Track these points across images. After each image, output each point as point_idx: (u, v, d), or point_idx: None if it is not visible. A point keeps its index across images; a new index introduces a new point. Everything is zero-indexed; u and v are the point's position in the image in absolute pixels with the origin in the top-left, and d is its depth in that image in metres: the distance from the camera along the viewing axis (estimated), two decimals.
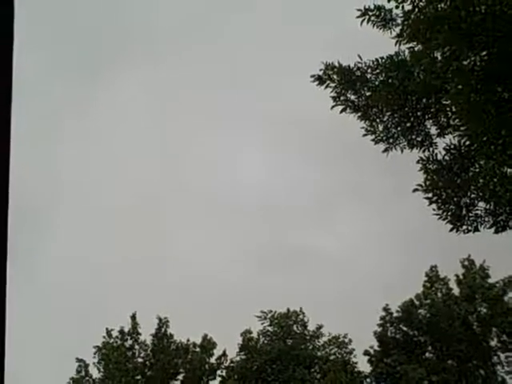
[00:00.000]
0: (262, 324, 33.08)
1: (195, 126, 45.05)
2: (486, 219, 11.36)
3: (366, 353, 32.70)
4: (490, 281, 32.95)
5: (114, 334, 33.13)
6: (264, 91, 44.64)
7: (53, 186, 41.98)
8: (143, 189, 44.37)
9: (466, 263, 33.85)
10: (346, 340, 32.28)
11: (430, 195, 11.61)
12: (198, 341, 33.59)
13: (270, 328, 33.05)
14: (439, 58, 11.82)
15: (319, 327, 32.90)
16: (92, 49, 38.55)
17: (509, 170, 10.77)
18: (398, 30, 13.47)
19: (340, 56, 14.22)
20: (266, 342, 32.80)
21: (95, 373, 32.31)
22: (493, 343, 32.11)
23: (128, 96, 43.48)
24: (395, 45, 13.71)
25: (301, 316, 33.16)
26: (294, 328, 32.99)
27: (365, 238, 43.96)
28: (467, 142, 11.89)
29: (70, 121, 42.16)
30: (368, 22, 13.88)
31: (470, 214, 11.44)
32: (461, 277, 33.64)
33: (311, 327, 33.13)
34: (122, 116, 44.17)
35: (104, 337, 32.97)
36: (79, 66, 38.57)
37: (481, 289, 32.82)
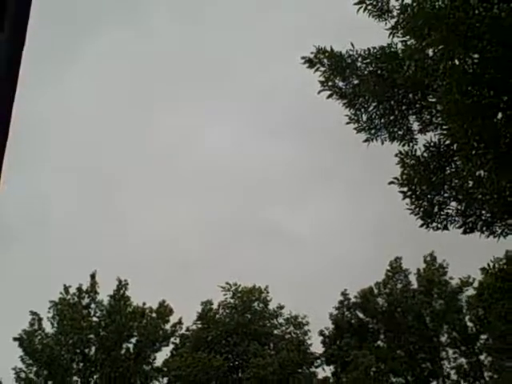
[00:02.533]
0: (225, 296, 33.28)
1: (170, 97, 44.59)
2: (457, 219, 11.56)
3: (321, 333, 33.32)
4: (448, 279, 33.77)
5: (72, 290, 32.96)
6: (242, 67, 44.40)
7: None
8: (111, 151, 43.91)
9: (428, 259, 34.58)
10: (304, 321, 32.69)
11: (405, 189, 11.73)
12: (155, 306, 33.68)
13: (231, 300, 33.26)
14: (431, 55, 11.88)
15: (280, 307, 33.24)
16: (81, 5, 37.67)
17: (484, 173, 10.95)
18: (393, 22, 13.46)
19: (320, 42, 14.16)
20: (225, 313, 33.04)
21: (48, 327, 32.21)
22: (443, 339, 33.04)
23: (106, 56, 42.73)
24: (388, 36, 13.71)
25: (264, 294, 33.41)
26: (255, 304, 33.26)
27: (335, 222, 44.57)
28: (447, 142, 12.01)
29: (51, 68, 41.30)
30: (364, 11, 13.82)
31: (442, 213, 11.61)
32: (421, 271, 34.38)
33: (272, 305, 33.49)
34: (98, 75, 43.36)
35: (61, 293, 32.78)
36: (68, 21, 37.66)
37: (438, 285, 33.61)
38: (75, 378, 31.57)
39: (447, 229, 11.67)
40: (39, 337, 31.67)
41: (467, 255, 27.14)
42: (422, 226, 11.73)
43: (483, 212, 11.56)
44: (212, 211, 43.32)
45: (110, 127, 44.93)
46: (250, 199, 45.27)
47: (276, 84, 41.69)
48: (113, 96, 44.98)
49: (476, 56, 9.89)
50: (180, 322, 33.82)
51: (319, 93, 13.90)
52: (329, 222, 44.96)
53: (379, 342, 33.44)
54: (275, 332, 33.01)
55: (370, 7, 13.59)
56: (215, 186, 45.21)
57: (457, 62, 9.73)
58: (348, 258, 39.86)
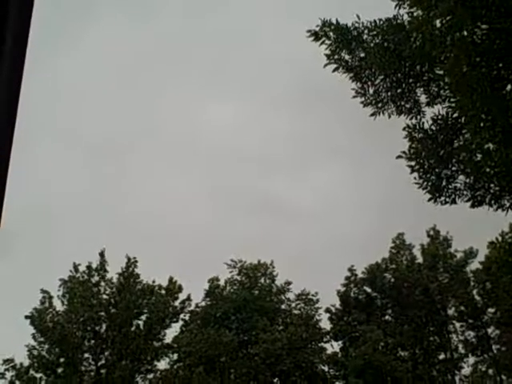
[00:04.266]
0: (231, 272, 33.49)
1: (171, 73, 44.35)
2: (465, 193, 11.48)
3: (328, 310, 33.48)
4: (453, 251, 33.76)
5: (82, 268, 33.20)
6: (243, 39, 43.99)
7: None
8: (117, 127, 43.84)
9: (432, 233, 34.52)
10: (314, 298, 32.82)
11: (413, 163, 11.64)
12: (164, 283, 33.92)
13: (237, 277, 33.47)
14: (438, 26, 11.67)
15: (288, 283, 33.39)
16: None
17: (493, 146, 10.83)
18: None
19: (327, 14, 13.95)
20: (232, 290, 33.26)
21: (59, 305, 32.53)
22: (450, 312, 33.18)
23: (111, 36, 42.44)
24: (395, 8, 13.48)
25: (270, 269, 33.57)
26: (262, 280, 33.45)
27: (338, 196, 44.51)
28: (455, 115, 11.88)
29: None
30: None
31: (450, 187, 11.53)
32: (425, 246, 34.35)
33: (279, 281, 33.66)
34: (105, 53, 43.13)
35: (71, 271, 33.03)
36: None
37: (443, 258, 33.63)
38: (86, 355, 31.99)
39: (455, 203, 11.60)
40: (50, 315, 32.01)
41: (466, 227, 27.17)
42: (430, 200, 11.65)
43: (492, 185, 11.47)
44: (215, 185, 43.33)
45: (114, 104, 44.79)
46: (253, 173, 45.21)
47: (278, 56, 41.28)
48: (115, 73, 44.71)
49: (484, 27, 9.72)
50: (189, 299, 34.06)
51: (325, 66, 13.72)
52: (332, 195, 44.95)
53: (387, 317, 33.63)
54: (282, 307, 33.23)
55: None
56: (218, 160, 45.11)
57: (465, 34, 9.58)
58: (351, 231, 39.89)
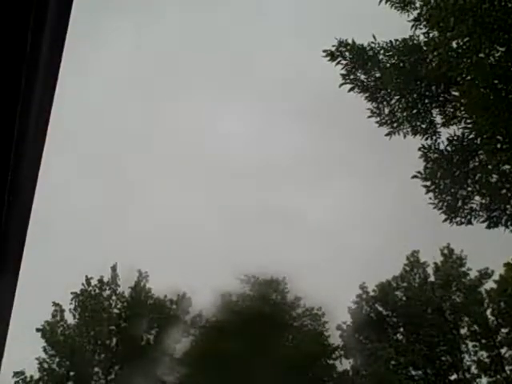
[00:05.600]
0: (243, 288, 33.42)
1: (184, 80, 44.61)
2: (480, 213, 11.49)
3: (339, 327, 33.30)
4: (466, 270, 33.52)
5: (93, 282, 33.32)
6: (258, 52, 44.23)
7: None
8: (124, 137, 44.02)
9: (446, 251, 34.34)
10: (320, 313, 32.73)
11: (428, 184, 11.69)
12: (175, 297, 33.91)
13: (250, 293, 33.40)
14: (455, 47, 11.75)
15: (298, 298, 33.31)
16: None
17: (509, 167, 10.86)
18: (415, 13, 13.36)
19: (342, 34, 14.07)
20: (244, 306, 33.18)
21: (70, 319, 32.62)
22: (463, 331, 32.85)
23: (122, 43, 42.77)
24: (411, 28, 13.61)
25: (282, 286, 33.52)
26: (274, 296, 33.39)
27: (351, 211, 44.32)
28: (471, 135, 11.92)
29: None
30: (387, 2, 13.73)
31: (465, 207, 11.55)
32: (439, 264, 34.17)
33: (289, 297, 33.56)
34: (115, 60, 43.37)
35: (83, 284, 33.15)
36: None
37: (457, 278, 33.40)
38: (96, 369, 31.97)
39: (471, 223, 11.60)
40: (61, 328, 32.09)
41: (482, 247, 27.00)
42: (445, 220, 11.66)
43: (508, 206, 11.46)
44: (226, 198, 43.31)
45: (122, 111, 44.87)
46: (265, 186, 45.11)
47: (293, 68, 41.38)
48: (121, 80, 44.83)
49: (502, 49, 9.79)
50: (200, 315, 34.02)
51: (341, 86, 13.87)
52: (343, 209, 44.74)
53: (398, 336, 33.38)
54: (295, 324, 33.11)
55: None
56: (229, 172, 45.09)
57: (482, 56, 9.64)
58: (362, 248, 39.68)
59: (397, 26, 14.59)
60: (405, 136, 13.41)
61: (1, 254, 2.19)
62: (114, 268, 33.47)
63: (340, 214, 44.54)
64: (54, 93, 1.91)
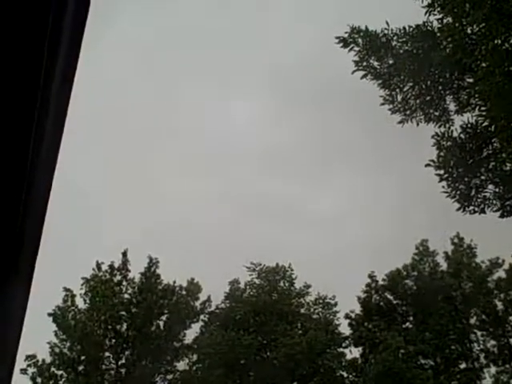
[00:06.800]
0: (250, 276, 33.51)
1: (192, 73, 44.37)
2: (494, 202, 11.38)
3: (347, 316, 33.32)
4: (477, 260, 33.40)
5: (104, 268, 33.50)
6: (268, 41, 43.89)
7: None
8: (136, 127, 43.96)
9: (456, 240, 34.18)
10: (332, 302, 32.75)
11: (442, 172, 11.58)
12: (185, 283, 34.09)
13: (257, 280, 33.49)
14: (469, 33, 11.59)
15: (307, 286, 33.32)
16: None
17: None
18: None
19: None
20: (251, 293, 33.29)
21: (81, 304, 32.86)
22: (472, 321, 32.78)
23: (128, 36, 42.60)
24: (425, 14, 13.41)
25: (289, 272, 33.54)
26: (281, 283, 33.45)
27: (358, 200, 44.18)
28: (485, 123, 11.79)
29: None
30: None
31: (479, 196, 11.44)
32: (449, 253, 34.02)
33: (298, 284, 33.63)
34: (123, 54, 43.26)
35: (93, 269, 33.35)
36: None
37: (467, 267, 33.26)
38: (107, 353, 32.25)
39: (484, 212, 11.50)
40: (72, 313, 32.35)
41: (492, 236, 26.84)
42: (458, 209, 11.57)
43: None
44: (234, 188, 43.29)
45: (135, 101, 44.75)
46: (272, 176, 44.98)
47: (302, 58, 41.06)
48: (134, 71, 44.70)
49: None
50: (209, 300, 34.17)
51: (353, 73, 13.73)
52: (352, 200, 44.55)
53: (408, 324, 33.35)
54: (302, 311, 33.18)
55: None
56: (238, 162, 45.02)
57: (498, 42, 9.50)
58: (371, 237, 39.55)
59: (409, 12, 14.39)
60: (418, 124, 13.28)
61: (16, 256, 2.20)
62: (124, 254, 33.61)
63: (346, 203, 44.42)
64: (71, 91, 1.90)
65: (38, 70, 1.58)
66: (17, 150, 1.75)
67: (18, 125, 1.72)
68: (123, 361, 32.23)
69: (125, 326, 32.65)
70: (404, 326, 32.93)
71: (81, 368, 31.63)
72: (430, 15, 13.26)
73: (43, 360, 31.39)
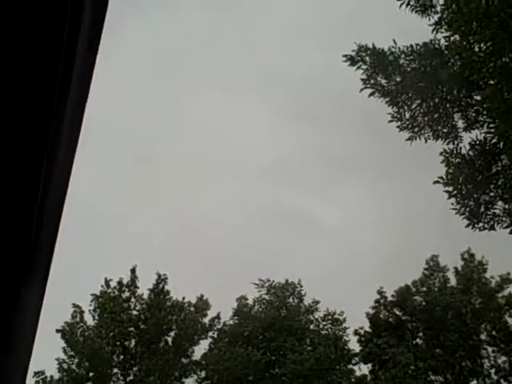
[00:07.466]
0: (259, 292, 33.43)
1: (201, 84, 44.53)
2: (504, 219, 11.37)
3: (356, 332, 33.14)
4: (488, 276, 33.20)
5: (113, 284, 33.53)
6: (271, 52, 44.08)
7: None
8: (146, 142, 44.06)
9: (466, 256, 34.02)
10: (341, 318, 32.57)
11: (451, 189, 11.59)
12: (193, 300, 34.04)
13: (266, 296, 33.40)
14: (477, 51, 11.66)
15: (316, 302, 33.20)
16: None
17: None
18: (436, 17, 13.28)
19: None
20: (260, 309, 33.19)
21: (90, 320, 32.86)
22: (482, 337, 32.52)
23: (137, 46, 42.83)
24: (432, 32, 13.53)
25: (298, 288, 33.44)
26: (290, 299, 33.34)
27: (367, 214, 44.06)
28: (494, 140, 11.82)
29: None
30: (407, 6, 13.68)
31: (488, 212, 11.44)
32: (459, 268, 33.85)
33: (307, 300, 33.50)
34: (136, 62, 43.38)
35: (102, 286, 33.39)
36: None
37: (477, 282, 33.07)
38: (115, 369, 32.18)
39: (494, 229, 11.48)
40: (81, 329, 32.34)
41: (503, 252, 26.70)
42: (467, 226, 11.56)
43: None
44: (241, 200, 43.26)
45: (140, 110, 44.89)
46: (281, 188, 44.98)
47: (306, 68, 41.25)
48: (139, 79, 44.84)
49: None
50: (218, 317, 34.09)
51: (361, 91, 13.82)
52: (360, 211, 44.44)
53: (418, 340, 33.12)
54: (311, 327, 33.01)
55: (413, 1, 13.46)
56: (245, 174, 44.97)
57: (506, 60, 9.56)
58: (379, 251, 39.40)
59: (415, 30, 14.51)
60: (426, 141, 13.33)
61: (31, 264, 2.23)
62: (133, 270, 33.65)
63: (355, 217, 44.34)
64: (89, 92, 1.93)
65: (54, 76, 1.61)
66: (31, 159, 1.78)
67: (33, 133, 1.74)
68: (131, 377, 32.12)
69: (133, 342, 32.60)
70: (414, 342, 32.70)
71: None
72: (437, 33, 13.38)
73: (51, 376, 31.34)
